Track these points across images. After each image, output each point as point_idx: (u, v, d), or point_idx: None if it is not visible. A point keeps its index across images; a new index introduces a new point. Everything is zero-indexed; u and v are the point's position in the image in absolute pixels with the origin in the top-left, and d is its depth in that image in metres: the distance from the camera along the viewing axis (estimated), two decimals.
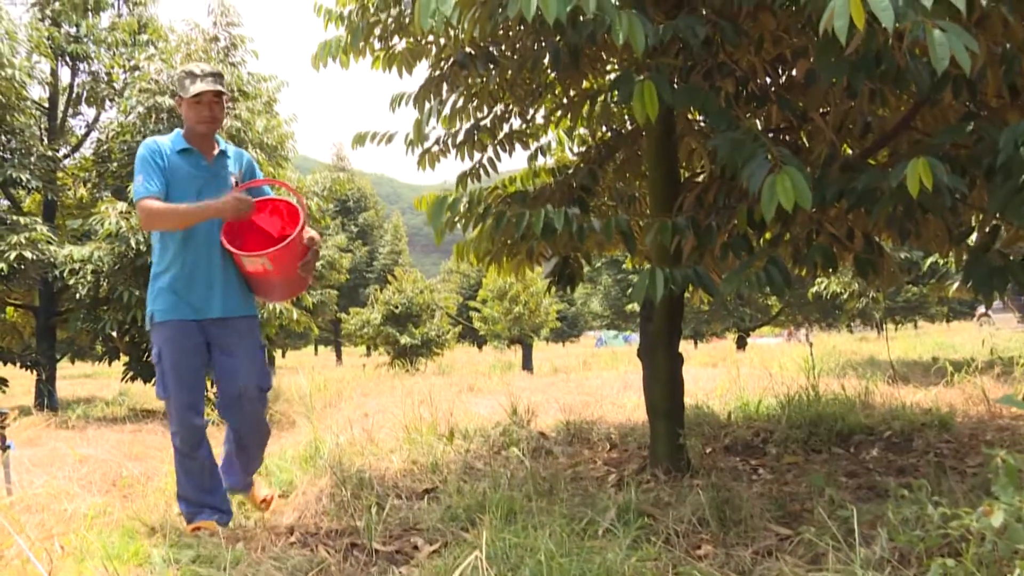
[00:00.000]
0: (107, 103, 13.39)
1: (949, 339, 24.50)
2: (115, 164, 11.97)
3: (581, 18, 3.19)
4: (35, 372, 12.37)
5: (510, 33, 4.60)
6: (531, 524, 3.17)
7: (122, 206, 9.76)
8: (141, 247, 9.43)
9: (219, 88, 3.81)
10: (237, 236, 3.95)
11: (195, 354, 3.78)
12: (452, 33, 4.55)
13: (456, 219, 3.75)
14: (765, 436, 5.87)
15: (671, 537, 3.19)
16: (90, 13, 13.27)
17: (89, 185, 12.83)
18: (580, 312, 50.71)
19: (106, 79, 13.35)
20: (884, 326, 29.22)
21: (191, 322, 3.77)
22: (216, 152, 3.96)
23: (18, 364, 12.54)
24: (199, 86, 3.75)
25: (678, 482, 4.20)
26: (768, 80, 4.43)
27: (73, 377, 28.38)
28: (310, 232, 3.93)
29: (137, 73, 12.25)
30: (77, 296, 10.62)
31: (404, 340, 20.72)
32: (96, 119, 13.82)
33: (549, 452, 5.56)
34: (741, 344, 25.76)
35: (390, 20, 4.63)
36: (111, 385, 19.90)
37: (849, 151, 4.90)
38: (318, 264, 4.08)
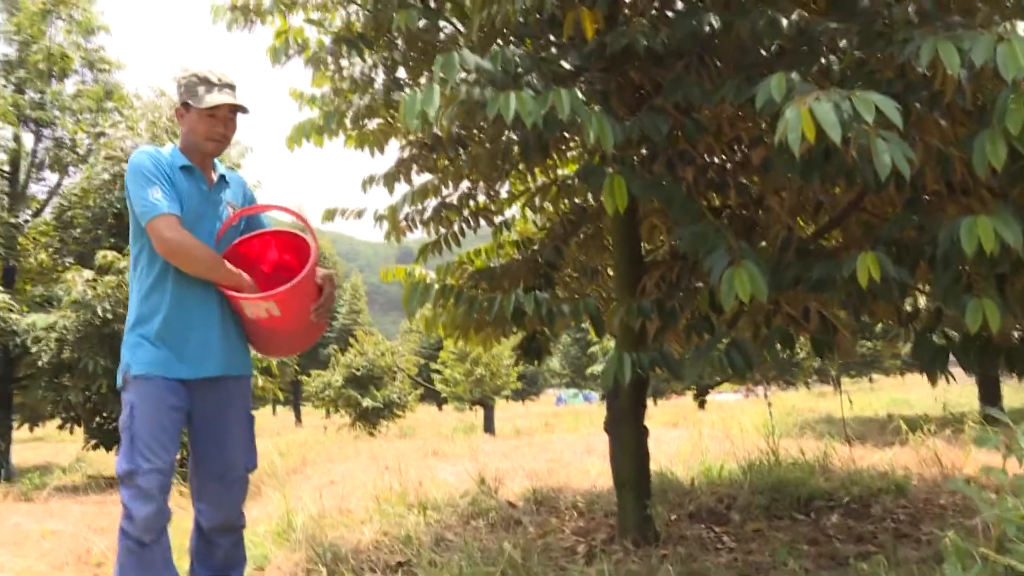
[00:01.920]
0: (70, 169, 13.43)
1: (904, 394, 25.04)
2: (78, 230, 11.98)
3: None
4: None
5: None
6: None
7: (88, 274, 9.77)
8: (108, 315, 9.43)
9: (239, 104, 3.16)
10: None
11: (177, 421, 3.04)
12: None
13: (428, 303, 3.88)
14: (728, 502, 6.01)
15: None
16: (54, 79, 13.37)
17: (51, 250, 12.81)
18: (540, 370, 50.82)
19: (70, 144, 13.41)
20: (839, 384, 29.70)
21: (178, 382, 3.04)
22: (216, 176, 3.29)
23: None
24: (217, 97, 3.09)
25: (647, 553, 4.31)
26: (725, 157, 4.68)
27: (24, 441, 27.76)
28: (323, 270, 3.25)
29: (102, 140, 12.33)
30: (39, 363, 10.54)
31: (366, 403, 20.66)
32: (59, 184, 13.84)
33: (518, 522, 5.65)
34: (701, 402, 26.02)
35: (363, 104, 4.81)
36: (66, 450, 19.54)
37: (803, 223, 5.16)
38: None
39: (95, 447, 11.02)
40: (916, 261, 3.48)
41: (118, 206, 11.09)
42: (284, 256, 3.37)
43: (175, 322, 3.06)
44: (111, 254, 9.74)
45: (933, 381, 3.66)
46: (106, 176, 11.29)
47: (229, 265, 3.07)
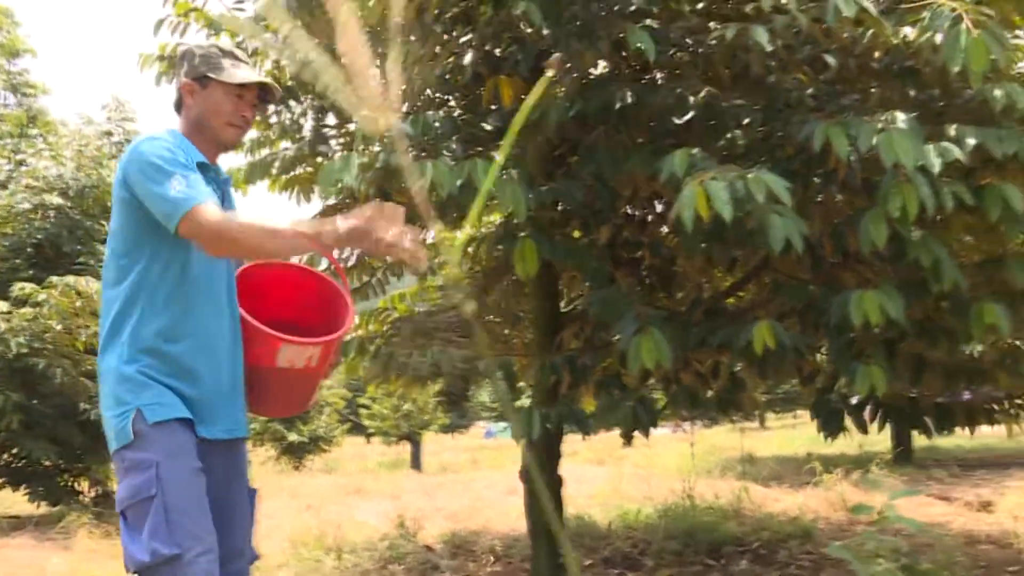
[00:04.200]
0: None
1: None
2: None
3: None
4: None
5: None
6: None
7: (3, 305, 9.51)
8: (23, 349, 9.19)
9: (273, 87, 2.45)
10: None
11: (204, 482, 2.22)
12: None
13: (349, 357, 3.94)
14: (643, 547, 6.14)
15: None
16: None
17: None
18: (469, 404, 50.65)
19: None
20: (763, 421, 30.28)
21: (197, 441, 2.24)
22: (222, 178, 2.49)
23: None
24: (246, 73, 2.38)
25: None
26: (645, 209, 4.85)
27: None
28: None
29: (24, 168, 12.07)
30: None
31: (292, 437, 20.38)
32: None
33: (436, 567, 5.69)
34: (628, 439, 26.21)
35: (288, 155, 4.87)
36: None
37: (720, 274, 5.35)
38: None
39: (1, 486, 10.66)
40: (817, 326, 3.68)
41: (38, 236, 10.86)
42: (284, 292, 2.74)
43: (194, 361, 2.26)
44: (29, 286, 9.51)
45: (832, 438, 3.84)
46: (27, 205, 11.03)
47: (286, 224, 2.15)
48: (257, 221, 2.13)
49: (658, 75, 4.20)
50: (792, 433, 26.77)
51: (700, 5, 3.97)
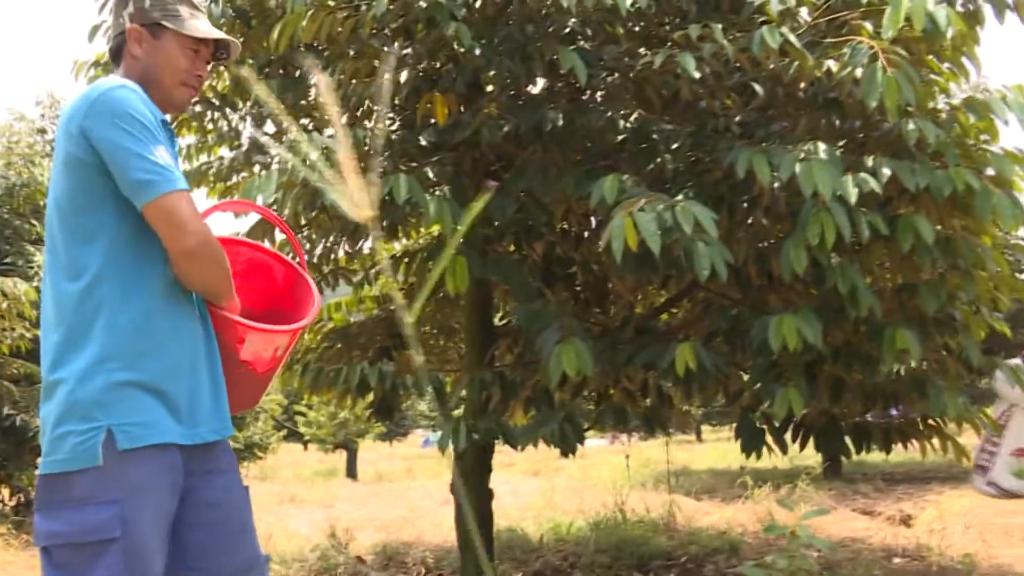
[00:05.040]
0: None
1: None
2: None
3: None
4: None
5: None
6: None
7: None
8: None
9: (233, 43, 2.12)
10: None
11: (171, 514, 1.87)
12: None
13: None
14: (573, 560, 6.19)
15: None
16: None
17: None
18: (407, 413, 50.43)
19: None
20: (699, 434, 30.59)
21: (177, 449, 1.86)
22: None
23: None
24: (206, 26, 2.07)
25: None
26: (581, 227, 4.90)
27: None
28: None
29: None
30: None
31: None
32: None
33: None
34: (565, 452, 26.27)
35: (224, 165, 4.83)
36: None
37: (654, 290, 5.44)
38: None
39: None
40: (744, 346, 3.76)
41: None
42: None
43: (171, 357, 1.90)
44: None
45: (757, 457, 3.93)
46: None
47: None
48: (225, 258, 1.92)
49: (597, 96, 4.25)
50: (727, 446, 27.13)
51: (636, 29, 4.04)
